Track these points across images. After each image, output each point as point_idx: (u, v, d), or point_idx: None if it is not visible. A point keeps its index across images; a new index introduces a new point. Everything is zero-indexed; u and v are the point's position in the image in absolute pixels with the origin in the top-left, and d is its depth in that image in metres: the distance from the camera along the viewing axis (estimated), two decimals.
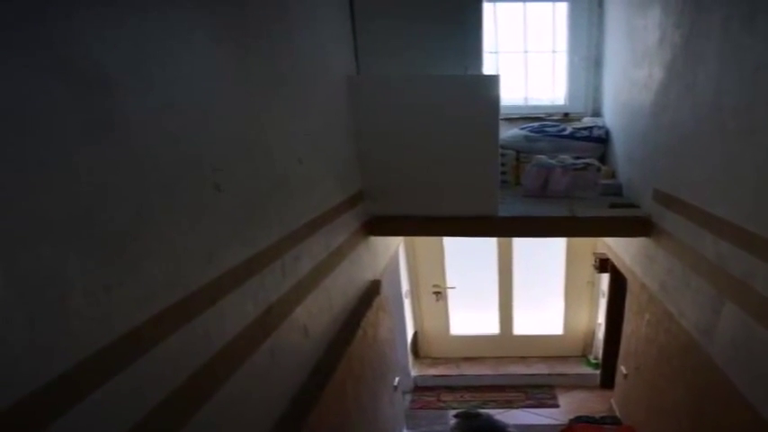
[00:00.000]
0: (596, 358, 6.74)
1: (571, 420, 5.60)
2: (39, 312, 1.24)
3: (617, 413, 5.39)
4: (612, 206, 4.16)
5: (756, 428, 2.50)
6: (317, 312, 3.02)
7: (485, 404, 6.28)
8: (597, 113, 5.49)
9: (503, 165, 4.85)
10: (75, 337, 1.33)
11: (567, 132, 5.13)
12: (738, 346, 2.69)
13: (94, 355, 1.39)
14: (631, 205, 4.20)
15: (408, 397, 6.51)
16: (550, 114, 5.58)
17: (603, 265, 5.70)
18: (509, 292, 6.95)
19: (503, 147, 4.78)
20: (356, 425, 3.60)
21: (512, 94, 5.66)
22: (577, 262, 6.67)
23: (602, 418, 5.51)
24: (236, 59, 2.14)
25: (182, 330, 1.73)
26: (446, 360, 7.21)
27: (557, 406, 6.29)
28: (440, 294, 7.00)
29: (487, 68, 4.56)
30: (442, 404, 6.42)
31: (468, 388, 6.73)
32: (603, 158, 5.18)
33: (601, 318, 6.48)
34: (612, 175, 4.88)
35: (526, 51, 5.68)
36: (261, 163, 2.34)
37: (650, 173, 3.89)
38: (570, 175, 4.50)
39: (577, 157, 4.80)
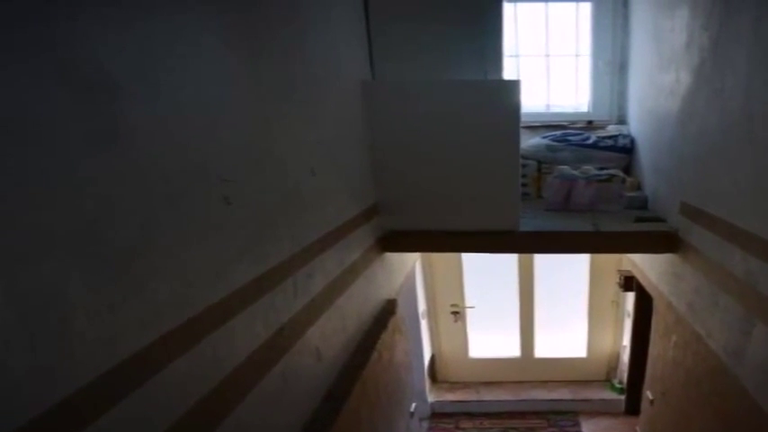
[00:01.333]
0: (621, 383, 6.67)
1: None
2: (40, 333, 1.21)
3: None
4: (638, 220, 4.12)
5: None
6: (331, 334, 3.00)
7: None
8: (622, 121, 5.46)
9: (523, 176, 4.82)
10: (77, 359, 1.31)
11: (590, 141, 5.10)
12: None
13: (98, 379, 1.36)
14: (657, 219, 4.15)
15: (425, 424, 6.45)
16: (573, 122, 5.56)
17: (628, 283, 5.65)
18: (530, 311, 6.89)
19: (524, 157, 4.75)
20: None
21: (533, 101, 5.64)
22: (601, 280, 6.62)
23: None
24: (246, 63, 2.13)
25: (189, 353, 1.71)
26: (464, 384, 7.15)
27: None
28: (458, 314, 6.94)
29: (508, 73, 4.54)
30: None
31: (487, 414, 6.66)
32: (628, 169, 5.14)
33: (626, 339, 6.42)
34: (638, 187, 4.84)
35: (548, 55, 5.66)
36: (271, 174, 2.32)
37: (677, 185, 3.84)
38: (594, 187, 4.47)
39: (601, 168, 4.77)
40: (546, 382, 7.10)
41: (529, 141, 5.18)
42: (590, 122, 5.53)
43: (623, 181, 4.60)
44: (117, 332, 1.42)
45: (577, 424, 6.38)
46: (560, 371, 7.13)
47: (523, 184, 4.81)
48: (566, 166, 4.70)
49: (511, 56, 5.50)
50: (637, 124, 5.09)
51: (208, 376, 1.82)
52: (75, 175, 1.31)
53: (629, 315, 6.19)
